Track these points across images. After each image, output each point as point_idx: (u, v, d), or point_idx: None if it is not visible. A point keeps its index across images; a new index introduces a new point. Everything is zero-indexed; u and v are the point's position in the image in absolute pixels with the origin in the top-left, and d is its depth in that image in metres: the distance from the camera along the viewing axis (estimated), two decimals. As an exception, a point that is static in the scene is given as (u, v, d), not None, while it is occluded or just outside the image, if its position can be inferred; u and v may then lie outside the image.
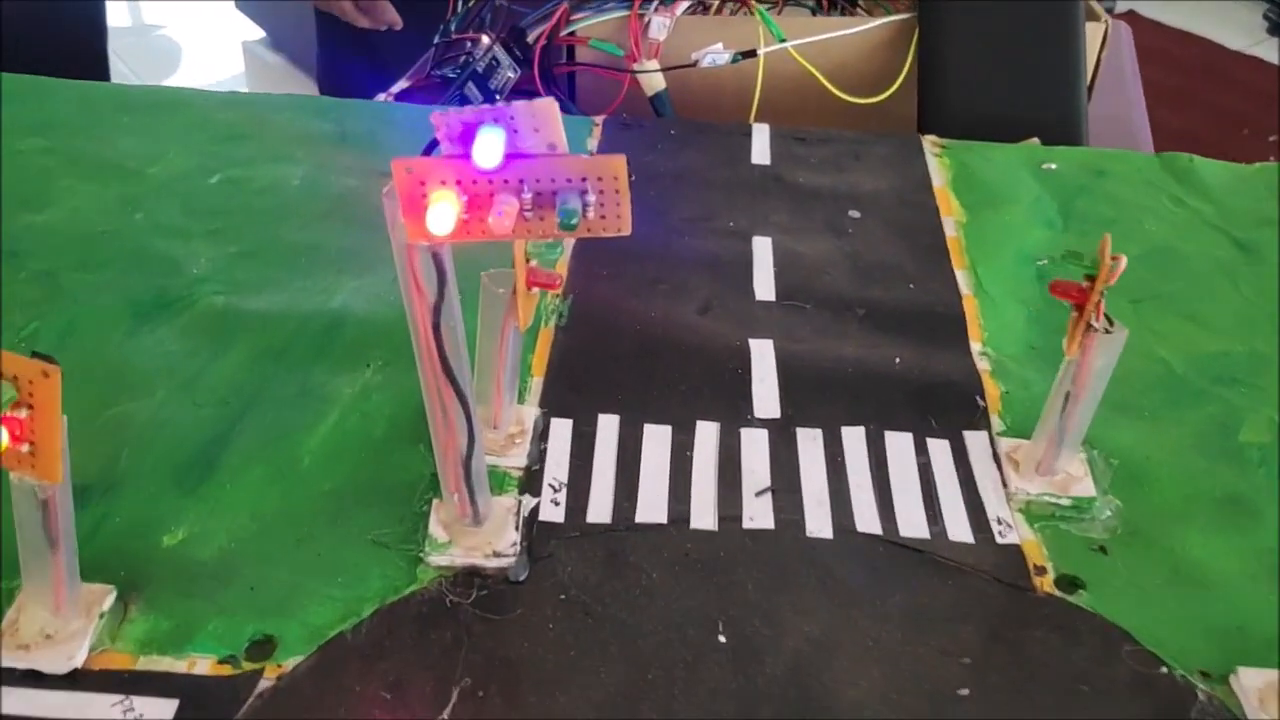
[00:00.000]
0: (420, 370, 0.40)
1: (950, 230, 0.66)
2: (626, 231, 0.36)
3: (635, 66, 0.81)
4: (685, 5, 0.82)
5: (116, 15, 2.70)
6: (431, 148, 0.35)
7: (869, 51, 0.83)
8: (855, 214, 0.67)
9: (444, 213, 0.34)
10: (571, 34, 0.82)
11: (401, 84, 0.85)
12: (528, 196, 0.35)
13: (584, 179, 0.35)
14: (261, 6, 2.41)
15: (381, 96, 0.82)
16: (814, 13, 0.92)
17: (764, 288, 0.61)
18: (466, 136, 0.34)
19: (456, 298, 0.38)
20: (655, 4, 0.81)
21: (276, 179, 0.67)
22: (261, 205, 0.65)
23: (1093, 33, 0.83)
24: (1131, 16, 2.76)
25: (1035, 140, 0.76)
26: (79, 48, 1.08)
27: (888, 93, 0.81)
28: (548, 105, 0.33)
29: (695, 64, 0.80)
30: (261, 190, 0.66)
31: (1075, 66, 0.80)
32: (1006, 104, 0.79)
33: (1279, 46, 2.82)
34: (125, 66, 2.47)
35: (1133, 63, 1.05)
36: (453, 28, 0.87)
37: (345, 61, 1.05)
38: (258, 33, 2.49)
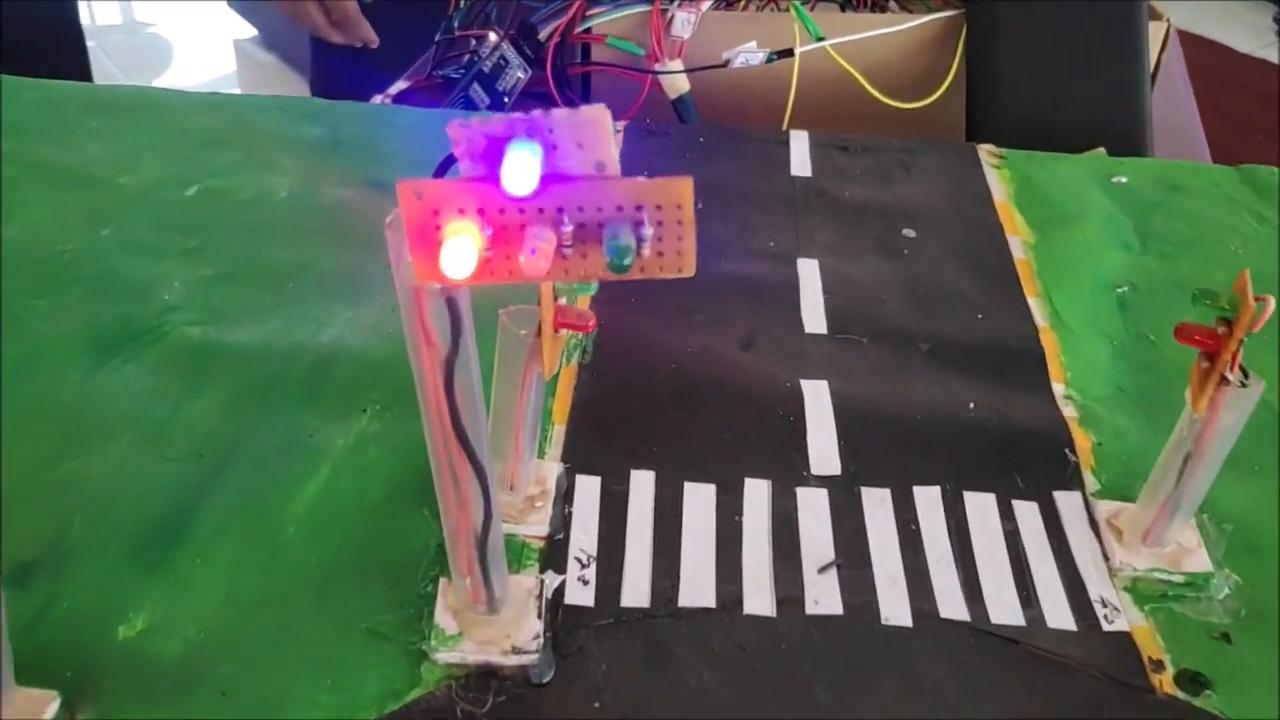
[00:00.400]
0: (428, 434, 0.33)
1: (1018, 251, 0.59)
2: (690, 272, 0.29)
3: (657, 67, 0.74)
4: (711, 0, 0.75)
5: (106, 13, 2.63)
6: (446, 166, 0.28)
7: (912, 51, 0.76)
8: (910, 232, 0.60)
9: (462, 250, 0.27)
10: (587, 31, 0.75)
11: (400, 85, 0.78)
12: (568, 229, 0.28)
13: (639, 207, 0.28)
14: (254, 4, 2.34)
15: (378, 99, 0.75)
16: (843, 8, 0.85)
17: (813, 318, 0.53)
18: (492, 154, 0.27)
19: (474, 350, 0.31)
20: (679, -1, 0.74)
21: (261, 190, 0.60)
22: (244, 220, 0.57)
23: (1154, 32, 0.76)
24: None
25: (1101, 150, 0.69)
26: (55, 45, 1.01)
27: (933, 97, 0.74)
28: (597, 115, 0.26)
29: (726, 64, 0.72)
30: (244, 203, 0.59)
31: (1138, 68, 0.73)
32: (1064, 109, 0.72)
33: (1288, 49, 2.76)
34: (113, 65, 2.39)
35: (1181, 64, 0.98)
36: (456, 24, 0.79)
37: (340, 62, 0.98)
38: (250, 31, 2.41)
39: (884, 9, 0.85)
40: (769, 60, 0.72)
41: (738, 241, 0.58)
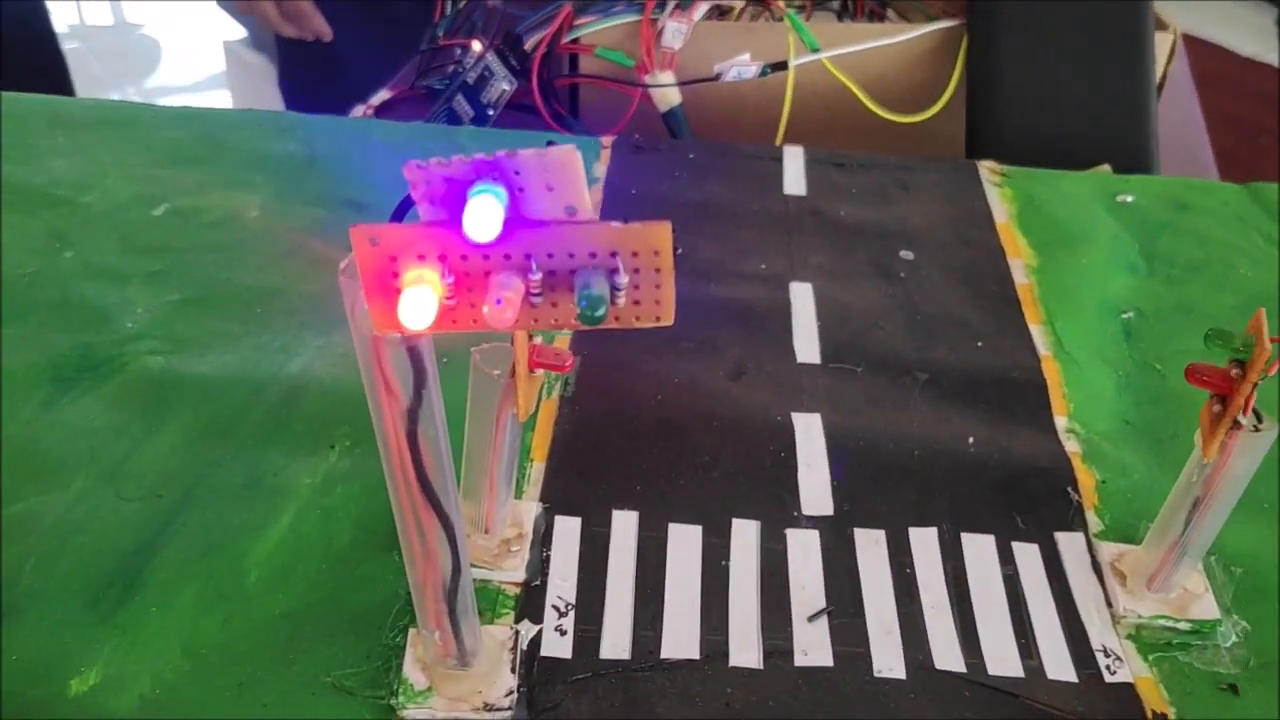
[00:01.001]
0: (390, 486, 0.31)
1: (1020, 276, 0.56)
2: (669, 321, 0.27)
3: (647, 79, 0.72)
4: (703, 10, 0.72)
5: (96, 14, 2.60)
6: (404, 210, 0.26)
7: (910, 63, 0.74)
8: (907, 255, 0.58)
9: (421, 300, 0.25)
10: (575, 41, 0.73)
11: (383, 95, 0.76)
12: (536, 277, 0.26)
13: (614, 254, 0.26)
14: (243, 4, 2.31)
15: (359, 110, 0.73)
16: (840, 17, 0.83)
17: (806, 346, 0.51)
18: (453, 197, 0.25)
19: (439, 400, 0.29)
20: (670, 8, 0.71)
21: (231, 210, 0.57)
22: (212, 241, 0.55)
23: (1161, 43, 0.74)
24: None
25: (1106, 167, 0.67)
26: (29, 53, 0.98)
27: (933, 110, 0.72)
28: (566, 156, 0.24)
29: (718, 77, 0.70)
30: (213, 223, 0.56)
31: (1145, 81, 0.71)
32: (1068, 124, 0.70)
33: (1291, 52, 2.74)
34: (102, 67, 2.37)
35: (1188, 75, 0.96)
36: (440, 32, 0.77)
37: (311, 72, 0.96)
38: (240, 32, 2.39)
39: (882, 19, 0.83)
40: (763, 73, 0.70)
41: (728, 264, 0.56)
